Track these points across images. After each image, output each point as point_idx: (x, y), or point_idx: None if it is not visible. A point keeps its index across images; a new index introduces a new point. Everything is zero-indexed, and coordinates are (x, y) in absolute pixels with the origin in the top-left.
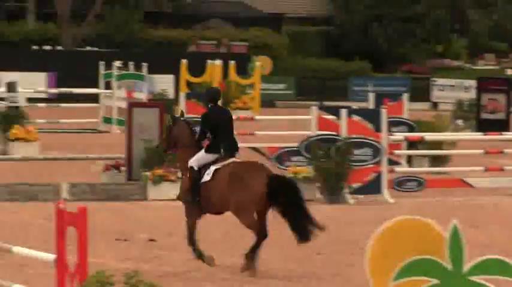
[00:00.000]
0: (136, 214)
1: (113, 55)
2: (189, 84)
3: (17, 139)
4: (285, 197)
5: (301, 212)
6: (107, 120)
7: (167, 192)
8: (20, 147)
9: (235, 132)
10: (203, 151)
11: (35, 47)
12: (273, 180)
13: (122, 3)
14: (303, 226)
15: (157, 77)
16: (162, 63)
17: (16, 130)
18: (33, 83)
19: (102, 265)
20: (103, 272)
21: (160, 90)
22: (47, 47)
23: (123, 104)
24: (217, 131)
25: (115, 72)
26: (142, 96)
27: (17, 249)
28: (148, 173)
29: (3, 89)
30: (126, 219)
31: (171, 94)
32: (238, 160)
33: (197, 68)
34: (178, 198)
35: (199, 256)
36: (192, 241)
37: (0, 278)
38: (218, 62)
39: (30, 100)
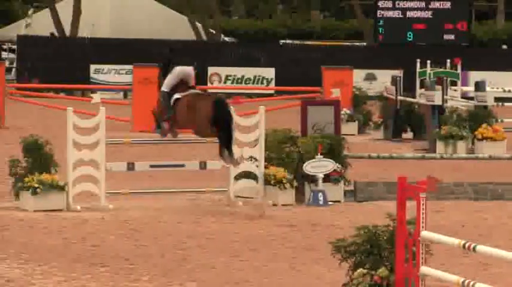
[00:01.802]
0: None
1: None
2: None
3: (485, 138)
4: (221, 116)
5: (229, 128)
6: None
7: None
8: (487, 146)
9: None
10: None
11: (504, 47)
12: (215, 104)
13: None
14: (230, 147)
15: None
16: None
17: (483, 129)
18: (502, 83)
19: None
20: None
21: None
22: None
23: None
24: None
25: None
26: None
27: (480, 248)
28: None
29: (472, 88)
30: None
31: None
32: (194, 91)
33: None
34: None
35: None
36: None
37: (464, 276)
38: None
39: (499, 99)
